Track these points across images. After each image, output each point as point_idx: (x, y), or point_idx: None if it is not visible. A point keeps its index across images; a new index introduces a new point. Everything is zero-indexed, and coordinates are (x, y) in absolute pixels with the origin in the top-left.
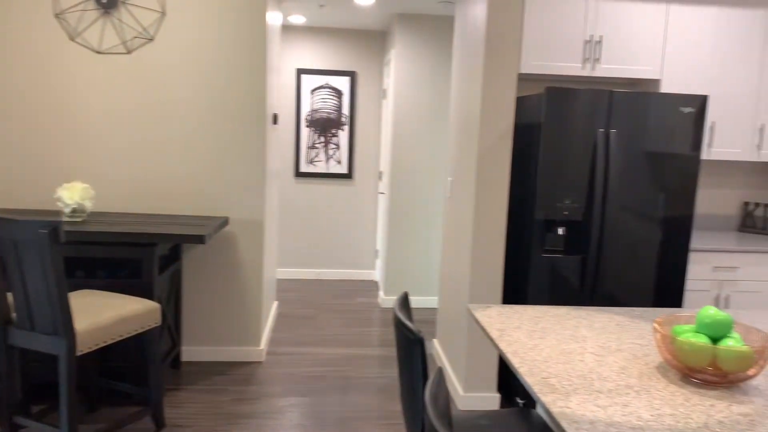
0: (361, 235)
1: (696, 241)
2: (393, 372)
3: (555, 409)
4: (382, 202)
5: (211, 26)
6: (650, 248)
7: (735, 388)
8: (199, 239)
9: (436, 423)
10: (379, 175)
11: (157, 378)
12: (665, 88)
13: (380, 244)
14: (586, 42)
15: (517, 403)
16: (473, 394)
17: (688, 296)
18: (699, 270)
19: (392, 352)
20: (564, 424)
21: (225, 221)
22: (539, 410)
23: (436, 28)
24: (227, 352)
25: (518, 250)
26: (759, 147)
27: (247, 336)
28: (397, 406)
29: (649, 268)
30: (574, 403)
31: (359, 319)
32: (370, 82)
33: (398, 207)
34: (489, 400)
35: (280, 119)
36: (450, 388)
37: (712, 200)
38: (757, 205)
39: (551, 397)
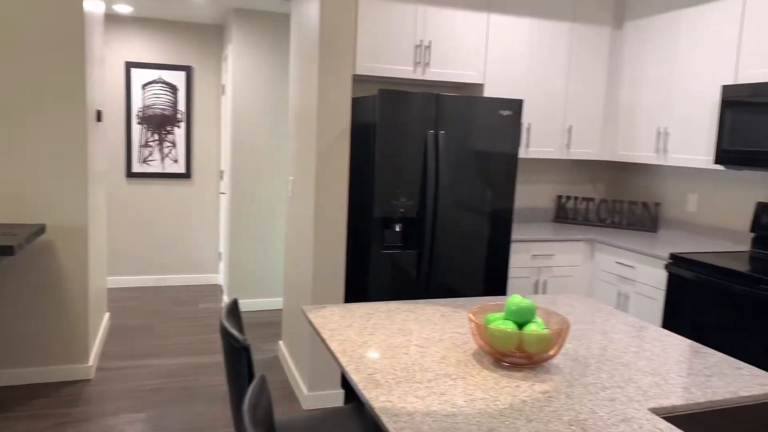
0: (203, 238)
1: (518, 232)
2: None
3: (377, 405)
4: (224, 203)
5: (23, 15)
6: (479, 240)
7: (539, 368)
8: (8, 250)
9: (250, 430)
10: (220, 175)
11: None
12: (488, 92)
13: (223, 247)
14: (417, 46)
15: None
16: (318, 393)
17: (512, 283)
18: (520, 258)
19: None
20: (384, 419)
21: (41, 228)
22: None
23: (274, 24)
24: (50, 372)
25: (359, 247)
26: (568, 146)
27: (72, 353)
28: None
29: (479, 258)
30: (396, 396)
31: (203, 325)
32: (207, 78)
33: (240, 207)
34: (333, 397)
35: (107, 116)
36: (295, 388)
37: (532, 195)
38: (568, 198)
39: (375, 393)
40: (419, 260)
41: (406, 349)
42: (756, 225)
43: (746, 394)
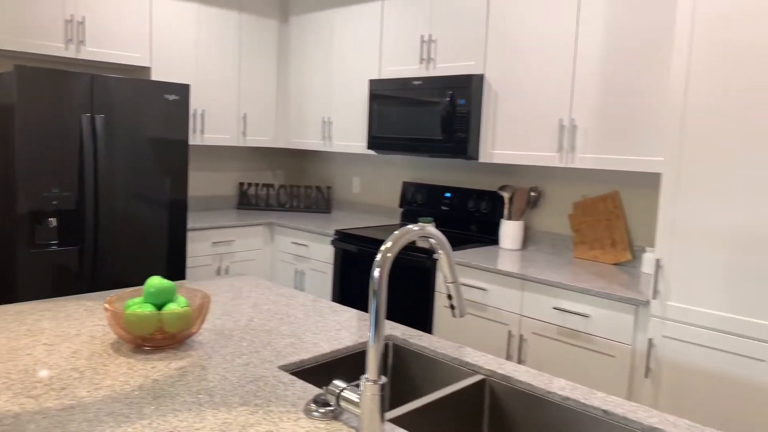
0: None
1: (199, 220)
2: None
3: None
4: None
5: None
6: (152, 231)
7: (182, 346)
8: None
9: None
10: None
11: None
12: (156, 76)
13: None
14: (68, 21)
15: None
16: None
17: (193, 272)
18: (200, 247)
19: None
20: None
21: None
22: None
23: None
24: None
25: (1, 246)
26: (244, 134)
27: None
28: None
29: (154, 249)
30: (3, 400)
31: None
32: None
33: None
34: None
35: None
36: None
37: (213, 182)
38: (249, 185)
39: None
40: (81, 256)
41: (32, 349)
42: (403, 201)
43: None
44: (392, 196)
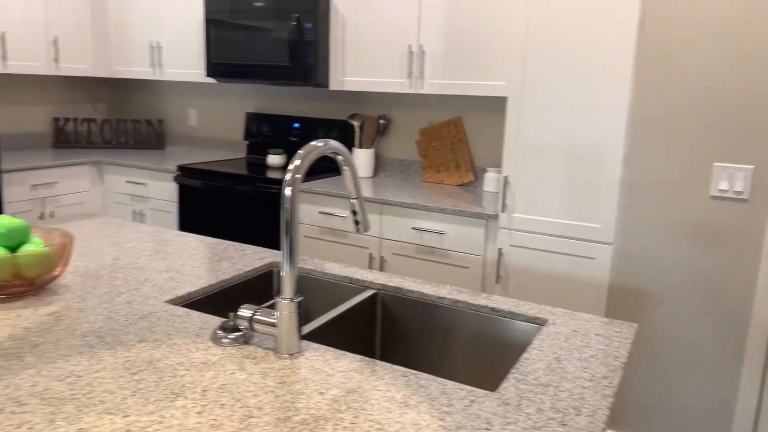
0: None
1: (10, 161)
2: None
3: None
4: None
5: None
6: None
7: (44, 292)
8: None
9: None
10: None
11: None
12: None
13: None
14: None
15: None
16: None
17: None
18: (18, 191)
19: None
20: None
21: None
22: None
23: None
24: None
25: None
26: (56, 60)
27: None
28: None
29: None
30: None
31: None
32: None
33: None
34: None
35: None
36: None
37: (21, 118)
38: (67, 120)
39: None
40: None
41: None
42: (248, 133)
43: (250, 268)
44: (235, 129)
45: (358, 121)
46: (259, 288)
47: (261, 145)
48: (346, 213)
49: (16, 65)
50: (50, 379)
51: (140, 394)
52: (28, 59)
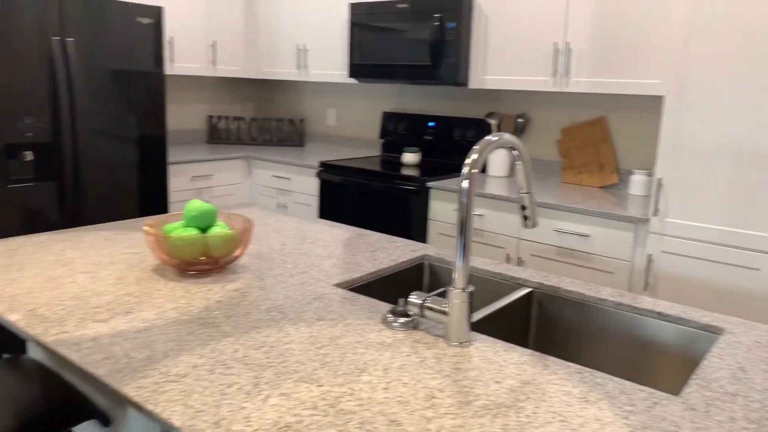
0: None
1: (174, 155)
2: None
3: (49, 339)
4: None
5: None
6: (129, 167)
7: (226, 271)
8: None
9: None
10: None
11: None
12: None
13: None
14: None
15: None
16: None
17: (172, 207)
18: (180, 181)
19: None
20: (62, 350)
21: None
22: (31, 353)
23: None
24: None
25: None
26: (214, 63)
27: None
28: None
29: (131, 186)
30: (71, 326)
31: None
32: None
33: None
34: None
35: None
36: None
37: (182, 116)
38: (219, 118)
39: (42, 328)
40: (61, 193)
41: (71, 277)
42: (383, 132)
43: (404, 259)
44: (370, 128)
45: (496, 120)
46: (412, 278)
47: (396, 144)
48: (483, 211)
49: (181, 67)
50: (247, 347)
51: (328, 367)
52: (190, 61)
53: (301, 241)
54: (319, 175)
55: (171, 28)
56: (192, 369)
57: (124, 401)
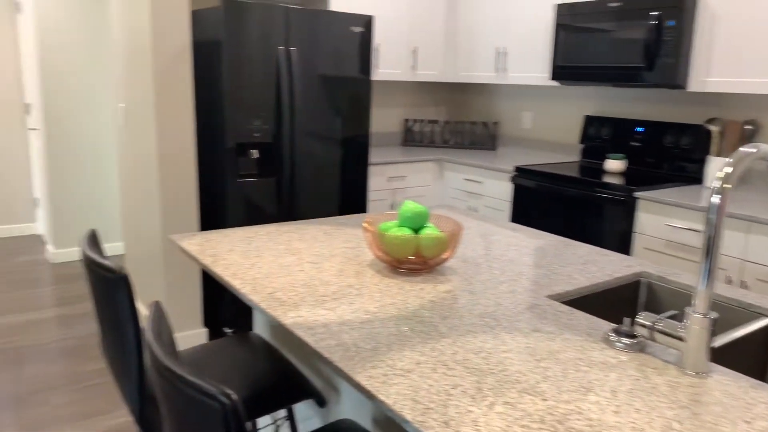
0: (11, 182)
1: (374, 156)
2: (77, 331)
3: (287, 321)
4: (35, 141)
5: None
6: (334, 166)
7: (435, 272)
8: None
9: (165, 359)
10: (26, 108)
11: None
12: (333, 6)
13: (40, 191)
14: None
15: (226, 333)
16: (179, 334)
17: (371, 206)
18: (377, 181)
19: (73, 309)
20: (300, 333)
21: None
22: (257, 330)
23: None
24: None
25: (212, 177)
26: (414, 68)
27: None
28: (89, 366)
29: (334, 184)
30: (304, 311)
31: (24, 280)
32: None
33: (59, 144)
34: (196, 336)
35: None
36: None
37: (380, 119)
38: (415, 121)
39: (281, 310)
40: (279, 188)
41: (300, 266)
42: (584, 137)
43: (619, 275)
44: (569, 132)
45: (718, 126)
46: (626, 296)
47: (598, 149)
48: (699, 226)
49: (385, 72)
50: (466, 351)
51: (551, 381)
52: (393, 67)
53: (506, 247)
54: (513, 179)
55: (378, 35)
56: (416, 365)
57: (347, 385)
